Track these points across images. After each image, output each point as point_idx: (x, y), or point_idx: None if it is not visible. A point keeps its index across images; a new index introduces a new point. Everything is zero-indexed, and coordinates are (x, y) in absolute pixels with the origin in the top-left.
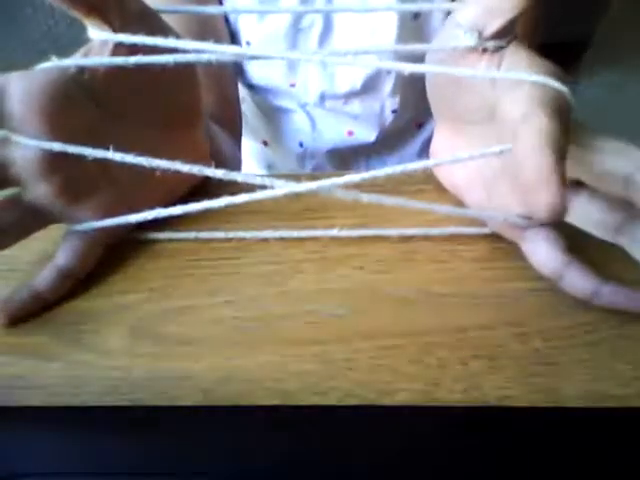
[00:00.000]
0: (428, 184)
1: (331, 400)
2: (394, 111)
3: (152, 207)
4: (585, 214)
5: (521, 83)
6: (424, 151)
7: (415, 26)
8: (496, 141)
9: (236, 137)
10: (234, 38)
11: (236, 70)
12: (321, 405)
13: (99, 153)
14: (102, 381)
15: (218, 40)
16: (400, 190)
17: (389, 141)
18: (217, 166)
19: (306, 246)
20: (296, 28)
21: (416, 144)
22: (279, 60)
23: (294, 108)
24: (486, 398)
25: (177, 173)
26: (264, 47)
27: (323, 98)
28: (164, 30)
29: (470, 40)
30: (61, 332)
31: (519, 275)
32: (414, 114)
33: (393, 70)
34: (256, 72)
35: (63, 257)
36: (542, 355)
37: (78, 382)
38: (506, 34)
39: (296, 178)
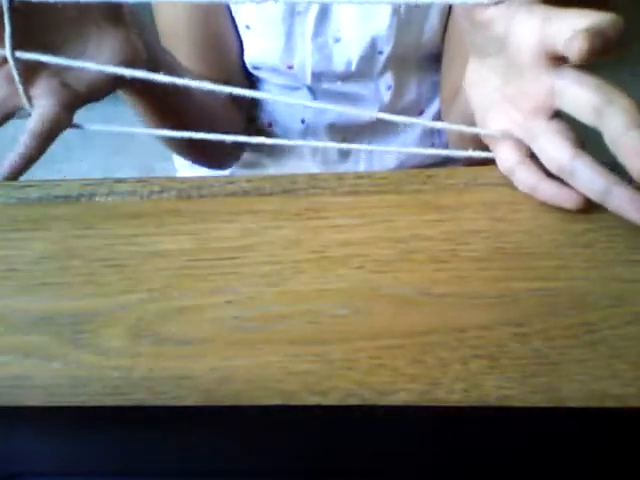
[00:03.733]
0: (426, 184)
1: (331, 400)
2: (389, 87)
3: (88, 90)
4: None
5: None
6: (426, 136)
7: (411, 11)
8: (504, 66)
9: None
10: (233, 21)
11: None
12: (321, 405)
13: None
14: (102, 381)
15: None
16: (399, 190)
17: (390, 123)
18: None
19: (306, 246)
20: (293, 11)
21: (416, 130)
22: (276, 41)
23: (297, 85)
24: (486, 398)
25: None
26: (262, 30)
27: (319, 79)
28: None
29: None
30: (61, 332)
31: (519, 275)
32: (414, 97)
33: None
34: (254, 53)
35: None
36: (542, 355)
37: (78, 382)
38: None
39: (292, 180)
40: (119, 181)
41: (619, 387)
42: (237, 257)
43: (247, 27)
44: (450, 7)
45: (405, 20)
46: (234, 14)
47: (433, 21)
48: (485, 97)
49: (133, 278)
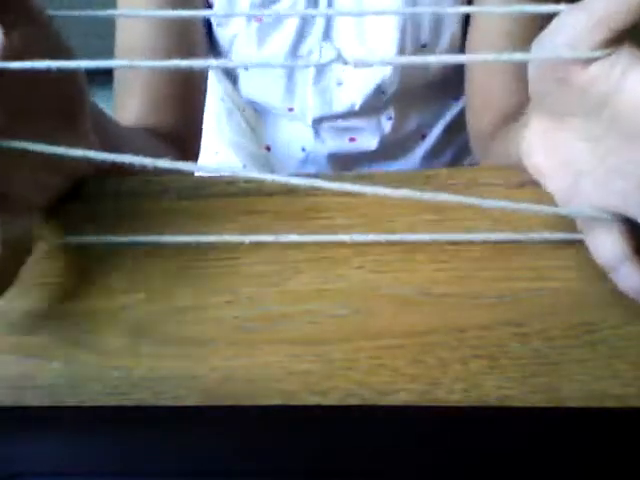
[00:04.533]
0: (426, 184)
1: (331, 400)
2: (389, 118)
3: (58, 186)
4: None
5: None
6: (426, 160)
7: (417, 53)
8: (604, 130)
9: (190, 156)
10: (225, 58)
11: (234, 86)
12: (321, 405)
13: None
14: (102, 381)
15: (194, 52)
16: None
17: (391, 150)
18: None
19: (306, 246)
20: (294, 55)
21: (418, 153)
22: (275, 84)
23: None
24: (486, 398)
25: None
26: (261, 71)
27: (321, 120)
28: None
29: (573, 53)
30: (61, 332)
31: (519, 275)
32: (417, 124)
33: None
34: (251, 92)
35: None
36: (542, 355)
37: (78, 382)
38: (619, 41)
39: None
40: (119, 181)
41: (619, 387)
42: (237, 257)
43: (245, 68)
44: (465, 30)
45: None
46: (227, 52)
47: (440, 57)
48: (569, 167)
49: (133, 278)
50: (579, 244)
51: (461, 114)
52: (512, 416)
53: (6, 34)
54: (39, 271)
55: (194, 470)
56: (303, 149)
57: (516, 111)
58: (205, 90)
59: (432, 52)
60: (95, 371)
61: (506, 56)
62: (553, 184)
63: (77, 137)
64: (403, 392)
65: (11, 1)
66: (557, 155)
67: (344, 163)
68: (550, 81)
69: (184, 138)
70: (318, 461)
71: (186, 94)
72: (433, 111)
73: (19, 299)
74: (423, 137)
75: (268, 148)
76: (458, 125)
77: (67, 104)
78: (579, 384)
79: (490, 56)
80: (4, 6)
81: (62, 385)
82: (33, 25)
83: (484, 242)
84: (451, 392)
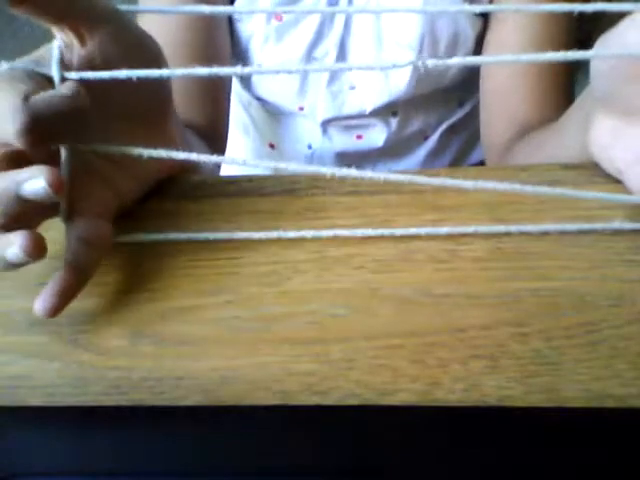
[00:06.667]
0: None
1: (331, 400)
2: (395, 114)
3: (133, 191)
4: None
5: None
6: (428, 159)
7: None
8: None
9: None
10: (243, 56)
11: (243, 84)
12: (321, 405)
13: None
14: (102, 381)
15: (218, 48)
16: (399, 190)
17: (395, 149)
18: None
19: (306, 246)
20: (310, 57)
21: (421, 153)
22: (288, 84)
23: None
24: (486, 398)
25: (156, 162)
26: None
27: (330, 121)
28: (132, 30)
29: None
30: (61, 332)
31: (519, 275)
32: (421, 125)
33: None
34: (264, 93)
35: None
36: (542, 355)
37: (78, 382)
38: None
39: (293, 180)
40: None
41: (619, 387)
42: (237, 257)
43: (259, 66)
44: (483, 36)
45: (426, 74)
46: (245, 49)
47: (454, 69)
48: None
49: (133, 278)
50: (580, 245)
51: (463, 118)
52: (512, 416)
53: (82, 44)
54: (39, 271)
55: (194, 470)
56: (309, 146)
57: (536, 124)
58: (230, 88)
59: (446, 67)
60: (95, 371)
61: (572, 54)
62: (631, 178)
63: (164, 139)
64: (403, 392)
65: (78, 12)
66: (633, 150)
67: (349, 161)
68: (620, 80)
69: (210, 136)
70: (318, 461)
71: (212, 92)
72: (438, 114)
73: (19, 299)
74: (425, 138)
75: (272, 145)
76: (459, 128)
77: (154, 104)
78: (579, 384)
79: (549, 55)
80: (74, 17)
81: (62, 385)
82: (110, 30)
83: (485, 240)
84: (451, 392)
